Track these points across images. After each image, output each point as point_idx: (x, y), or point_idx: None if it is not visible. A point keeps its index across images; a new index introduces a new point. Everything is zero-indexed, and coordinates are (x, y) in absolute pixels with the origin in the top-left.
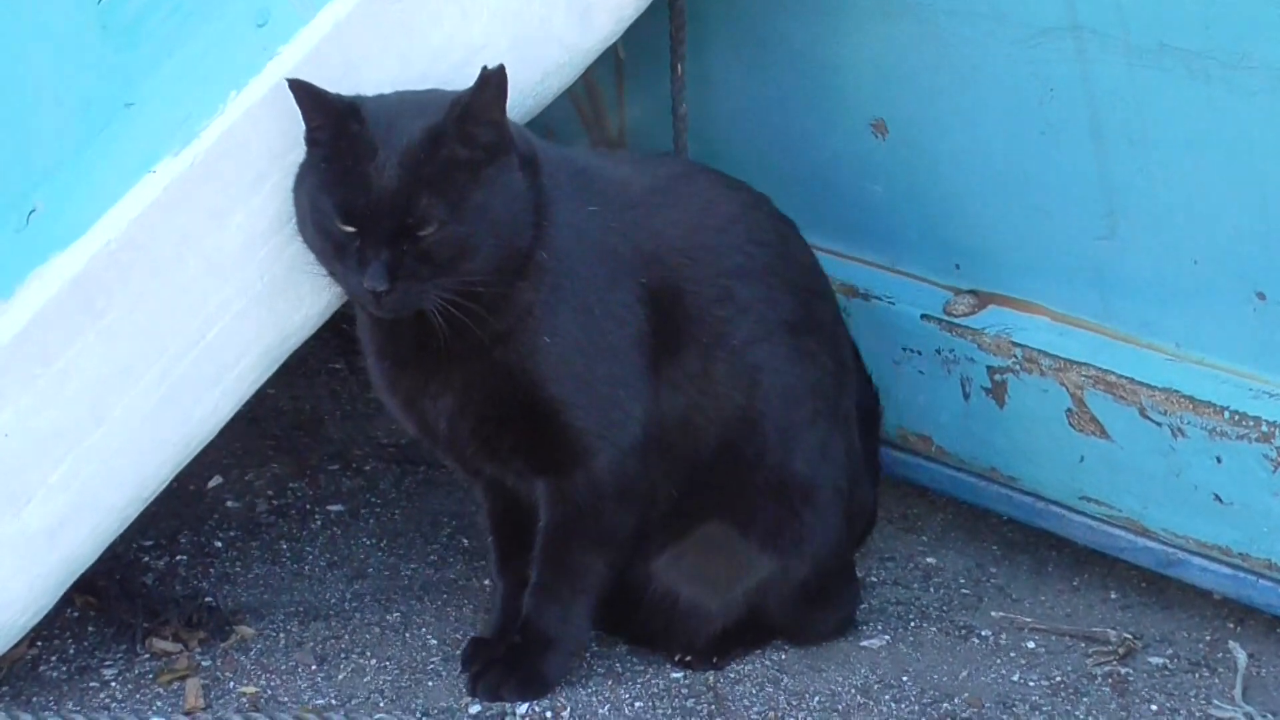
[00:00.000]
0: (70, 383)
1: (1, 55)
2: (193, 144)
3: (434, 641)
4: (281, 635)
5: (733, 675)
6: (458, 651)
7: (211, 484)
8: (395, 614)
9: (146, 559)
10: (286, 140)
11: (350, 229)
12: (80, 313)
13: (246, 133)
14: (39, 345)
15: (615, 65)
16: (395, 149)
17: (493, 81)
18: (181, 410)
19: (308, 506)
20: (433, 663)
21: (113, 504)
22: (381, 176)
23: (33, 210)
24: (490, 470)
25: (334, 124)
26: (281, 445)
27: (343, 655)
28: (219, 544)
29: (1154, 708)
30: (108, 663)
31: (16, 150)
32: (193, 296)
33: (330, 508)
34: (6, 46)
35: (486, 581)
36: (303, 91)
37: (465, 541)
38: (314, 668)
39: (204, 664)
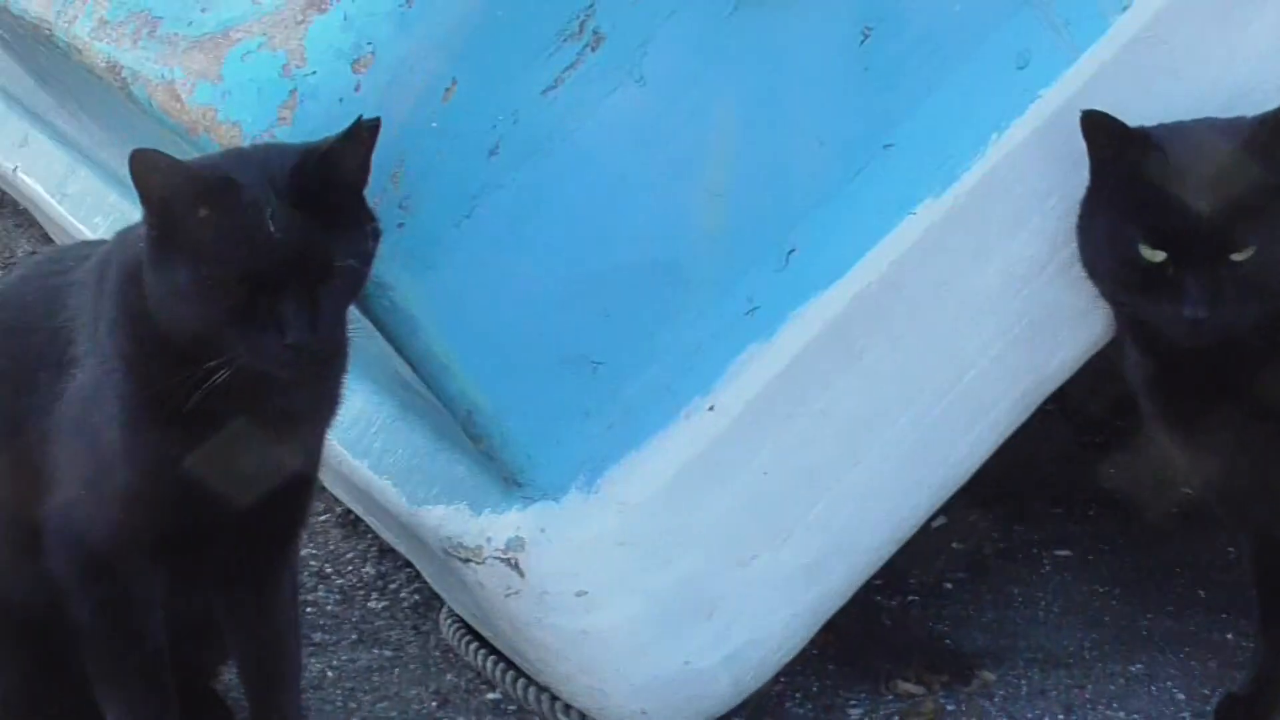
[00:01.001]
0: (828, 423)
1: (767, 98)
2: (954, 186)
3: (1181, 696)
4: (1023, 682)
5: None
6: (1207, 708)
7: (936, 524)
8: (1137, 665)
9: (878, 599)
10: (1049, 183)
11: (1160, 256)
12: (839, 354)
13: (1008, 175)
14: (798, 386)
15: None
16: (1203, 175)
17: None
18: (937, 454)
19: (1034, 550)
20: (1182, 717)
21: (867, 544)
22: (1196, 202)
23: (791, 250)
24: (1257, 515)
25: (1133, 152)
26: (1000, 487)
27: (1089, 706)
28: (949, 585)
29: None
30: (853, 702)
31: (777, 191)
32: (949, 339)
33: (1058, 552)
34: (773, 89)
35: (1229, 635)
36: (1098, 122)
37: (1201, 593)
38: (1060, 718)
39: (949, 708)
